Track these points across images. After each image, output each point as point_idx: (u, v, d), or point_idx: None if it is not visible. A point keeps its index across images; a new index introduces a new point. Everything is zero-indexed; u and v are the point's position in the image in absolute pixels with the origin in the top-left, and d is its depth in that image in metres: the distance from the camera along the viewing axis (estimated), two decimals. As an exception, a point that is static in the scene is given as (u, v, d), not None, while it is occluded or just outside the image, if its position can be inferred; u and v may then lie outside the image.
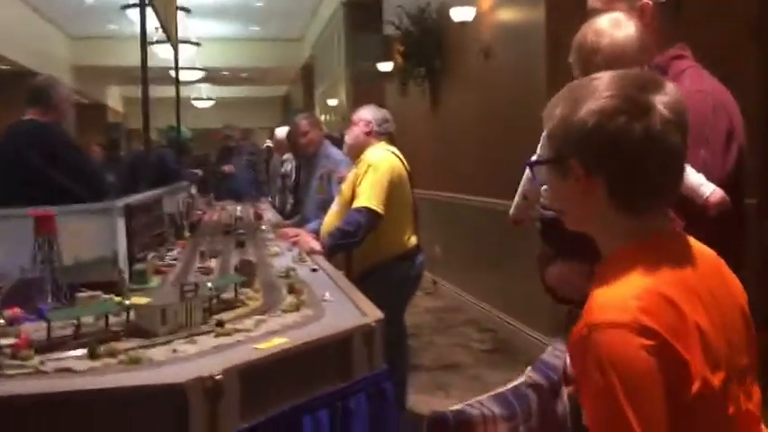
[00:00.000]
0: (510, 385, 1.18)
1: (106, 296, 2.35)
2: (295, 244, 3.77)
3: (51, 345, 1.77)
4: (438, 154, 7.26)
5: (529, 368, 1.25)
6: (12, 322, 2.07)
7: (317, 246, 3.49)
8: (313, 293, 2.41)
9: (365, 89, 10.30)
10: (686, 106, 1.14)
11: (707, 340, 1.04)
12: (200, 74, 16.11)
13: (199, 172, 7.29)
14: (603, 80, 1.14)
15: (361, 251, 3.59)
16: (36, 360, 1.62)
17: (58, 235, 2.22)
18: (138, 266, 2.76)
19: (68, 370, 1.59)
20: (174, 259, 3.39)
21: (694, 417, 1.01)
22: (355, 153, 3.87)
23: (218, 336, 1.83)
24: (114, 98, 22.81)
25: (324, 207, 4.51)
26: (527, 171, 1.54)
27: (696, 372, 1.02)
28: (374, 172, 3.60)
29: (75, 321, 1.86)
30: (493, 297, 5.98)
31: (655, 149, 1.10)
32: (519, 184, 1.80)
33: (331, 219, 3.82)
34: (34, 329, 1.95)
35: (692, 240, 1.19)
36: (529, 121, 4.90)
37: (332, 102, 13.81)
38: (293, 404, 1.72)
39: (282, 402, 1.70)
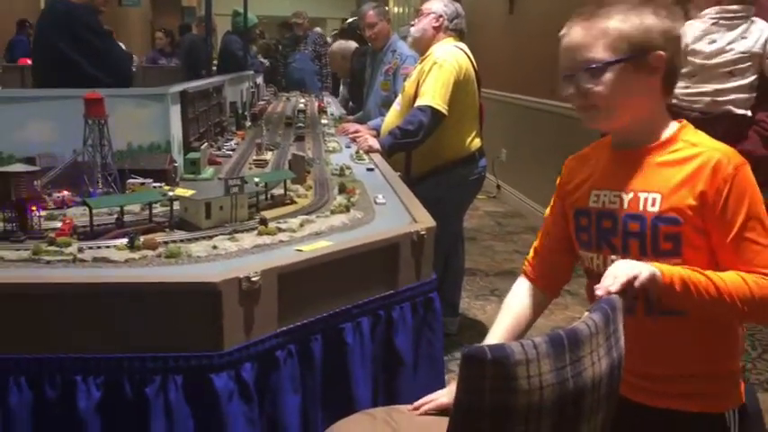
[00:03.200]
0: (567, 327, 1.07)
1: (156, 184, 2.32)
2: (354, 141, 3.66)
3: (94, 233, 1.74)
4: (513, 56, 6.90)
5: (587, 312, 1.14)
6: (60, 205, 2.06)
7: (375, 144, 3.37)
8: (366, 194, 2.32)
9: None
10: None
11: None
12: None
13: (265, 61, 7.15)
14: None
15: (421, 152, 3.45)
16: (75, 247, 1.59)
17: (108, 118, 2.17)
18: (191, 155, 2.70)
19: (106, 260, 1.55)
20: (232, 150, 3.33)
21: None
22: (422, 48, 3.66)
23: (260, 234, 1.76)
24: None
25: (387, 104, 4.35)
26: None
27: None
28: (440, 69, 3.40)
29: (118, 210, 1.82)
30: (539, 193, 5.82)
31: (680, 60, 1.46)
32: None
33: (392, 117, 3.67)
34: (81, 214, 1.93)
35: None
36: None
37: (406, -7, 13.27)
38: (334, 310, 1.66)
39: (323, 308, 1.64)
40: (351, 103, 5.74)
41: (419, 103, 3.37)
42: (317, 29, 9.04)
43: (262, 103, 5.62)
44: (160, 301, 1.42)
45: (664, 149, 1.41)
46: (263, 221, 1.82)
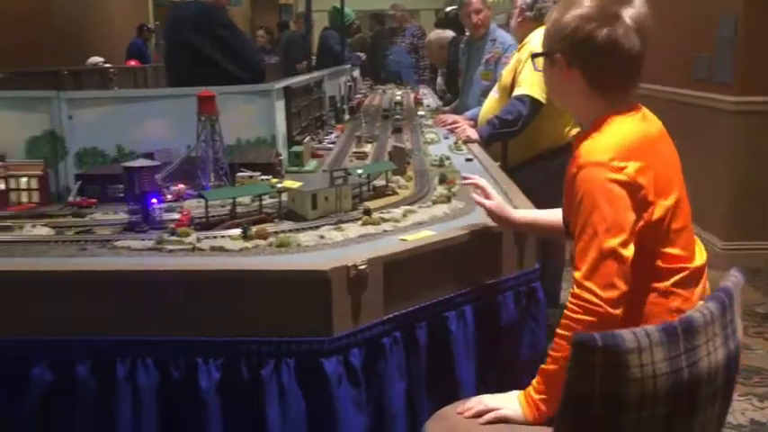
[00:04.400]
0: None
1: (264, 177, 2.42)
2: (452, 131, 3.67)
3: (209, 223, 1.84)
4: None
5: (702, 301, 1.13)
6: (176, 198, 2.18)
7: (473, 134, 3.37)
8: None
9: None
10: (649, 17, 1.47)
11: (660, 177, 1.45)
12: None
13: (362, 55, 7.24)
14: None
15: (518, 141, 3.41)
16: (193, 237, 1.69)
17: (218, 115, 2.27)
18: (296, 149, 2.79)
19: (221, 249, 1.64)
20: (332, 143, 3.42)
21: (653, 228, 1.43)
22: (519, 38, 3.63)
23: (365, 224, 1.81)
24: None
25: (487, 94, 4.33)
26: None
27: (653, 199, 1.42)
28: (538, 57, 3.35)
29: (231, 201, 1.91)
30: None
31: (613, 51, 1.45)
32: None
33: (490, 106, 3.65)
34: (196, 206, 2.04)
35: (647, 111, 1.55)
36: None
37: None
38: (438, 299, 1.69)
39: (427, 296, 1.67)
40: (447, 93, 5.73)
41: (517, 92, 3.33)
42: (414, 22, 9.04)
43: (359, 96, 5.70)
44: (274, 287, 1.49)
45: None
46: (368, 212, 1.87)
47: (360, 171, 2.14)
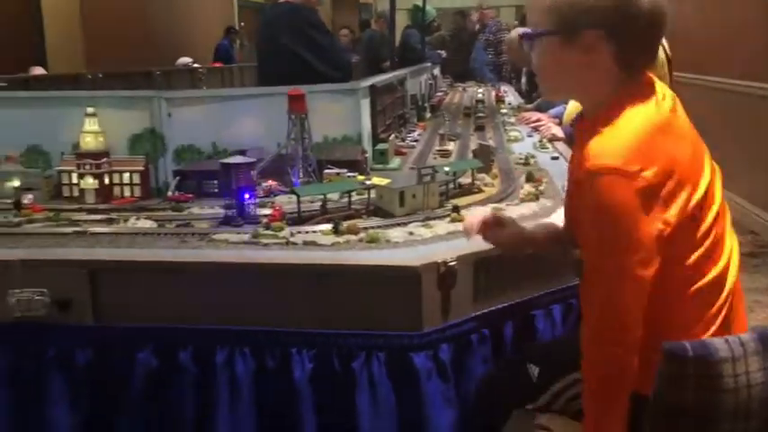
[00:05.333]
0: None
1: (351, 174, 2.46)
2: (536, 130, 3.64)
3: (301, 218, 1.89)
4: (717, 30, 6.34)
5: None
6: (268, 194, 2.25)
7: (559, 132, 3.33)
8: (553, 183, 2.31)
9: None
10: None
11: (686, 168, 1.25)
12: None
13: (442, 53, 7.25)
14: None
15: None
16: (287, 231, 1.74)
17: (308, 113, 2.33)
18: (380, 146, 2.83)
19: (314, 243, 1.69)
20: (415, 140, 3.44)
21: (682, 229, 1.23)
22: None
23: (453, 221, 1.83)
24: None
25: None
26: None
27: (676, 197, 1.22)
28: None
29: (321, 197, 1.96)
30: (757, 195, 5.37)
31: (656, 22, 1.28)
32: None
33: (575, 104, 3.60)
34: (287, 201, 2.10)
35: (660, 86, 1.35)
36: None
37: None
38: (526, 297, 1.69)
39: (515, 295, 1.68)
40: (533, 93, 5.66)
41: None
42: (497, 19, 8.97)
43: (439, 94, 5.70)
44: (365, 282, 1.53)
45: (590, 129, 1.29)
46: (456, 209, 1.88)
47: (446, 169, 2.15)
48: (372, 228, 1.81)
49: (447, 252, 1.57)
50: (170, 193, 2.20)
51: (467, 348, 1.58)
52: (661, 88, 1.35)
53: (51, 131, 2.29)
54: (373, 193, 2.04)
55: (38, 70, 6.15)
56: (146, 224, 1.88)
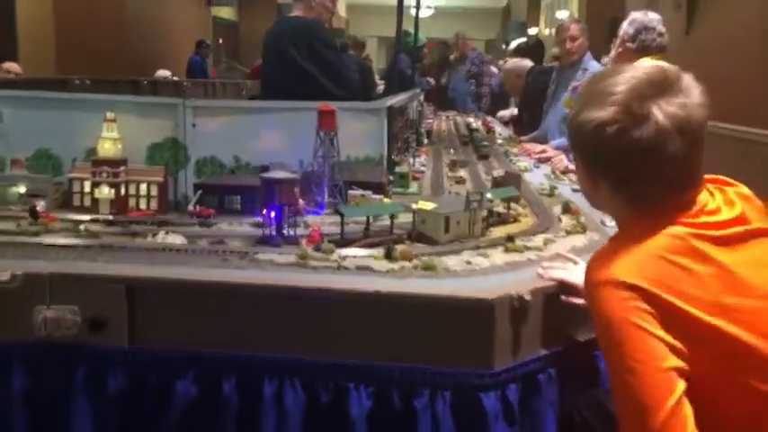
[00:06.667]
0: None
1: (376, 197, 2.35)
2: (543, 161, 3.59)
3: (344, 240, 1.77)
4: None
5: None
6: (295, 213, 2.12)
7: (571, 164, 3.27)
8: (588, 216, 2.23)
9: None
10: (696, 105, 1.18)
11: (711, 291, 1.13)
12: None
13: (431, 80, 7.22)
14: (619, 81, 1.19)
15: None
16: (336, 255, 1.62)
17: (338, 131, 2.22)
18: (399, 170, 2.73)
19: (368, 269, 1.56)
20: (423, 165, 3.35)
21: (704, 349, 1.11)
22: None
23: (508, 251, 1.73)
24: (339, 5, 23.33)
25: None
26: None
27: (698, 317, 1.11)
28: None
29: (362, 219, 1.84)
30: None
31: (648, 158, 1.16)
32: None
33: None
34: (320, 221, 1.98)
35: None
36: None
37: (561, 14, 13.04)
38: (591, 336, 1.59)
39: (581, 332, 1.58)
40: (521, 120, 5.64)
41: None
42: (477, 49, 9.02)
43: (429, 121, 5.65)
44: (431, 313, 1.42)
45: None
46: (511, 239, 1.78)
47: (489, 195, 2.06)
48: (424, 254, 1.69)
49: (518, 284, 1.46)
50: (191, 208, 2.06)
51: (534, 389, 1.48)
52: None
53: (63, 135, 2.13)
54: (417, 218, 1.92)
55: (12, 67, 5.89)
56: (176, 240, 1.74)
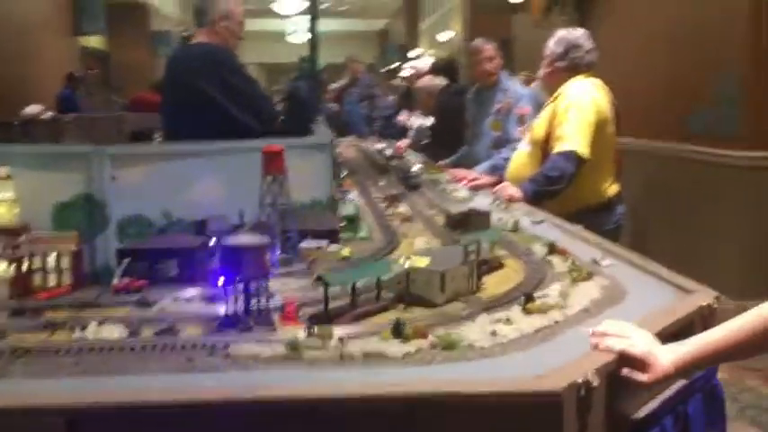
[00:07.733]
0: None
1: (333, 248, 2.02)
2: (477, 188, 3.38)
3: (328, 315, 1.41)
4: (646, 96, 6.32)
5: None
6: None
7: (517, 193, 3.06)
8: (577, 256, 1.99)
9: (488, 20, 9.59)
10: None
11: None
12: (304, 5, 15.62)
13: (334, 106, 6.92)
14: None
15: (554, 199, 3.13)
16: (336, 339, 1.26)
17: (287, 173, 1.88)
18: (348, 212, 2.40)
19: (380, 356, 1.22)
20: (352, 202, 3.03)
21: None
22: (550, 90, 3.40)
23: (528, 312, 1.44)
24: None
25: (497, 145, 4.06)
26: None
27: None
28: (578, 111, 3.12)
29: (350, 286, 1.50)
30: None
31: None
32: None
33: (521, 160, 3.38)
34: (282, 287, 1.62)
35: None
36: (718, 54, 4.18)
37: (442, 36, 13.12)
38: (646, 411, 1.33)
39: (635, 409, 1.31)
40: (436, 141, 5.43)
41: (561, 147, 3.08)
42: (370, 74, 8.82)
43: (337, 150, 5.34)
44: (479, 414, 1.10)
45: None
46: (530, 297, 1.48)
47: (485, 245, 1.77)
48: (432, 325, 1.37)
49: (576, 365, 1.17)
50: (116, 281, 1.64)
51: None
52: None
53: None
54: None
55: None
56: (113, 332, 1.32)
